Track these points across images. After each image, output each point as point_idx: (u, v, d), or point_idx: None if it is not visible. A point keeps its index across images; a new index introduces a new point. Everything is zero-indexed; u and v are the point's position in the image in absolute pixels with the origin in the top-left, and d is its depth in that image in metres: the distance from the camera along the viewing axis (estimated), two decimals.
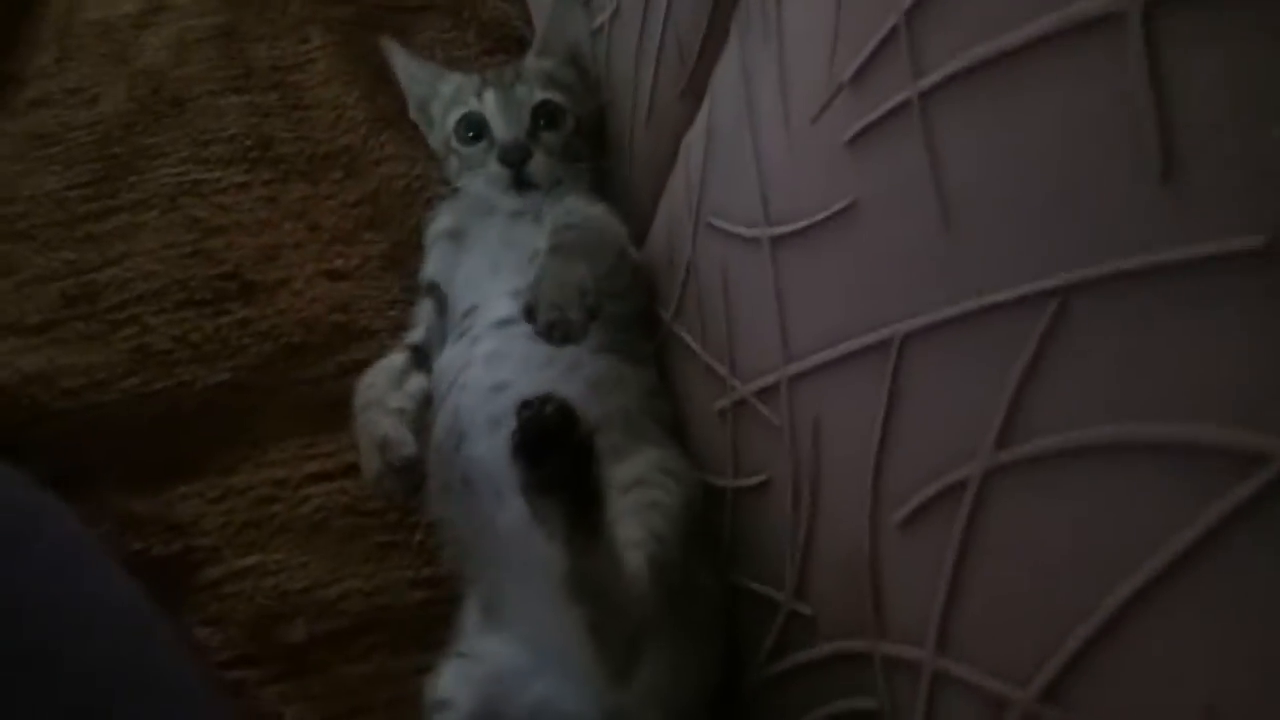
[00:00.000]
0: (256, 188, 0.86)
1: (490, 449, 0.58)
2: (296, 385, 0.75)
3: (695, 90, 0.63)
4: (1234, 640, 0.28)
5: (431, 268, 0.73)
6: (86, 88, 0.93)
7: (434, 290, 0.72)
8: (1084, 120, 0.33)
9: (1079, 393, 0.34)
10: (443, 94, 0.78)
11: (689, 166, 0.63)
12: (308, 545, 0.69)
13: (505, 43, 0.96)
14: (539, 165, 0.70)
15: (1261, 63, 0.28)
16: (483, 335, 0.64)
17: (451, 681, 0.57)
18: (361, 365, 0.72)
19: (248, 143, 0.89)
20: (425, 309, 0.71)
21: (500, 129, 0.72)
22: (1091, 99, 0.33)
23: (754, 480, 0.54)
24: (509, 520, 0.55)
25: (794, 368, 0.50)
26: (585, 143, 0.76)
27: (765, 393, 0.53)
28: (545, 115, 0.73)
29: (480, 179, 0.72)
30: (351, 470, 0.70)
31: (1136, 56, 0.31)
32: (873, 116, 0.43)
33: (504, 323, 0.64)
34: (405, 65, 0.82)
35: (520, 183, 0.70)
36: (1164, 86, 0.30)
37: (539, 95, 0.73)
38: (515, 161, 0.70)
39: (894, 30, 0.41)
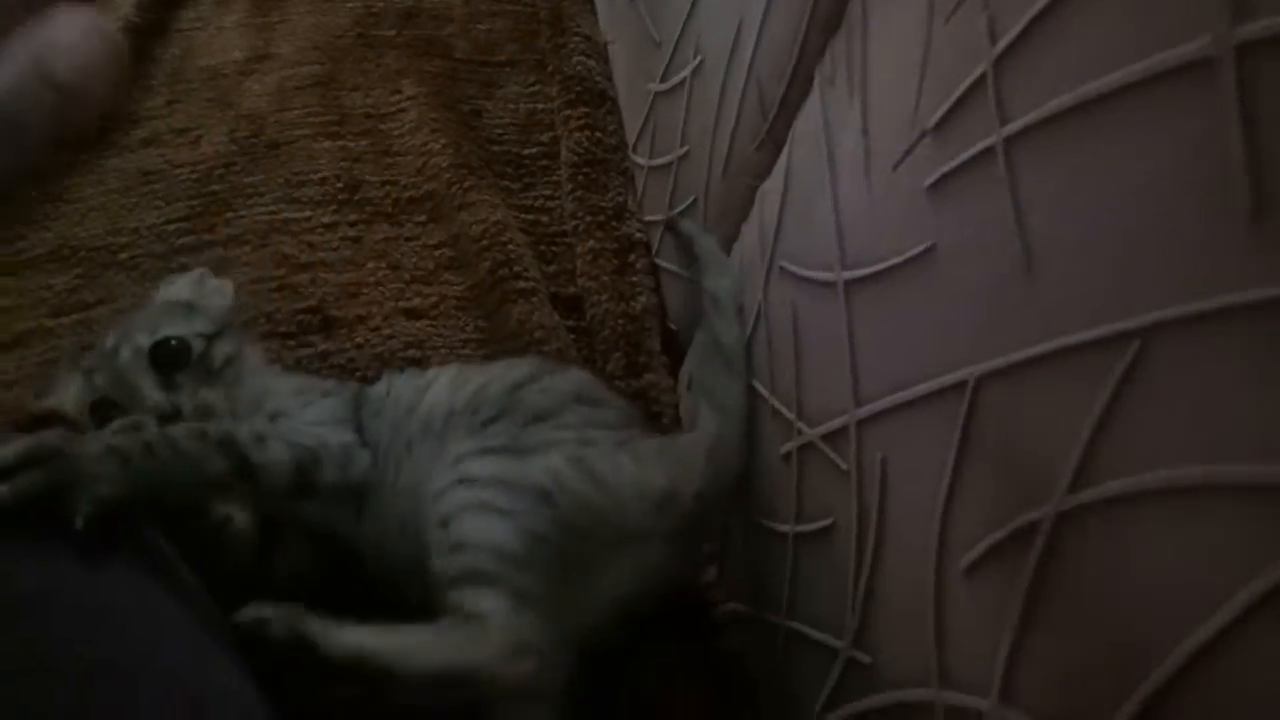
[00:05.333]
0: (343, 228, 0.89)
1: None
2: None
3: (775, 140, 0.64)
4: None
5: None
6: (192, 129, 0.98)
7: None
8: (1169, 163, 0.33)
9: (1157, 434, 0.33)
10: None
11: (763, 214, 0.64)
12: None
13: (587, 96, 0.99)
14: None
15: None
16: None
17: None
18: None
19: (338, 185, 0.93)
20: None
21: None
22: (1178, 142, 0.33)
23: (817, 525, 0.54)
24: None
25: (864, 411, 0.50)
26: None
27: (833, 436, 0.53)
28: (165, 356, 0.61)
29: None
30: None
31: (1228, 99, 0.31)
32: (956, 162, 0.43)
33: None
34: None
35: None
36: (1256, 127, 0.30)
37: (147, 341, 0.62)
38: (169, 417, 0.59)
39: (981, 78, 0.42)
